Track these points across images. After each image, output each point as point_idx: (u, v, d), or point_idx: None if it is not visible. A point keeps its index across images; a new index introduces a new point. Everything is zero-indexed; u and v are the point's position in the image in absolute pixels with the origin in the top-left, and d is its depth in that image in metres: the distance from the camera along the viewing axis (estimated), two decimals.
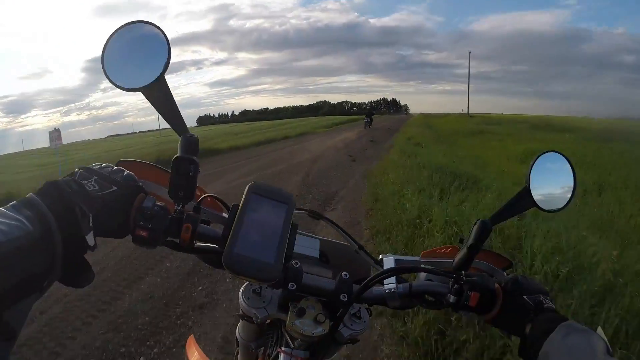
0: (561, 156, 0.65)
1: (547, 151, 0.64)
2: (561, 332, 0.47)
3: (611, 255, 2.53)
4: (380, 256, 0.72)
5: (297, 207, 0.61)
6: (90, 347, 2.19)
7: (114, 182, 0.50)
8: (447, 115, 48.42)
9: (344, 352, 1.96)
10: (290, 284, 0.57)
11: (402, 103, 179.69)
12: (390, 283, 0.63)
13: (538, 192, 0.62)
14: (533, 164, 0.63)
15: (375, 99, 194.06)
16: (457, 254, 0.63)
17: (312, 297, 0.59)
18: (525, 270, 2.50)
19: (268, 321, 0.71)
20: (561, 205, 0.64)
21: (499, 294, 0.57)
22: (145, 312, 2.56)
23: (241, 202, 0.54)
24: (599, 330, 0.47)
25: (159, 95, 0.51)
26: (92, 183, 0.48)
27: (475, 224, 0.60)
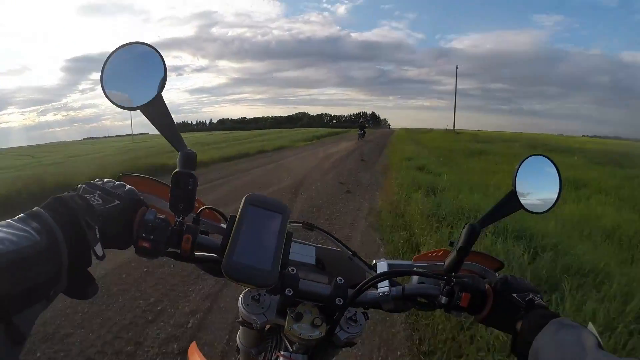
0: (547, 159, 0.66)
1: (533, 154, 0.66)
2: (552, 328, 0.48)
3: None
4: (374, 261, 0.75)
5: (292, 220, 0.63)
6: None
7: (116, 196, 0.52)
8: (431, 130, 47.39)
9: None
10: (287, 289, 0.58)
11: (382, 117, 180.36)
12: (383, 287, 0.65)
13: (524, 194, 0.63)
14: (519, 167, 0.64)
15: (355, 112, 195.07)
16: (448, 256, 0.64)
17: (308, 302, 0.61)
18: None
19: (267, 327, 0.73)
20: (547, 207, 0.66)
21: (490, 294, 0.59)
22: None
23: (238, 213, 0.56)
24: (590, 325, 0.48)
25: (157, 113, 0.54)
26: (96, 197, 0.50)
27: (464, 228, 0.62)
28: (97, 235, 0.46)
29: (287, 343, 0.63)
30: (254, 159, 12.44)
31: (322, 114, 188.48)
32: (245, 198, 0.57)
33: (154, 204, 0.61)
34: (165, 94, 0.54)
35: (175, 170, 0.54)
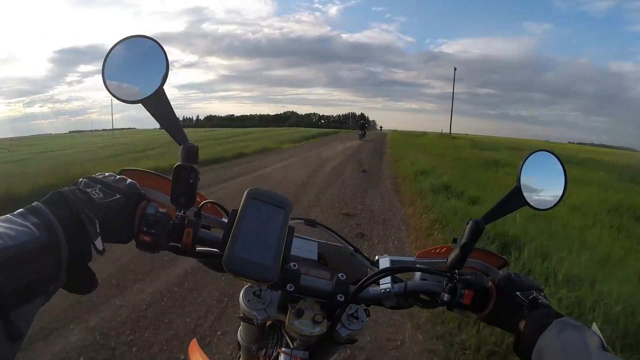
0: (552, 155, 0.65)
1: (538, 150, 0.64)
2: (556, 328, 0.47)
3: None
4: (377, 257, 0.74)
5: (293, 216, 0.63)
6: None
7: (117, 190, 0.51)
8: (425, 134, 45.36)
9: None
10: (289, 285, 0.58)
11: (371, 118, 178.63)
12: (385, 283, 0.65)
13: (529, 191, 0.62)
14: (524, 163, 0.63)
15: (344, 113, 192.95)
16: (451, 253, 0.64)
17: (310, 298, 0.60)
18: None
19: (268, 323, 0.75)
20: (552, 204, 0.65)
21: (493, 291, 0.59)
22: None
23: (240, 207, 0.55)
24: (594, 326, 0.47)
25: (159, 106, 0.54)
26: (97, 191, 0.49)
27: (467, 224, 0.61)
28: (98, 230, 0.46)
29: (288, 339, 0.62)
30: (229, 167, 9.86)
31: (310, 114, 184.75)
32: (247, 192, 0.56)
33: (155, 198, 0.62)
34: None
35: (177, 164, 0.54)
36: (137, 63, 0.56)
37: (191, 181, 0.54)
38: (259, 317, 0.61)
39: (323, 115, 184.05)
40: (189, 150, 0.55)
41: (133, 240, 0.53)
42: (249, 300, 0.62)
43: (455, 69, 36.39)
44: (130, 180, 0.55)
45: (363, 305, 0.65)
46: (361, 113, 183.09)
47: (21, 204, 0.43)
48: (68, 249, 0.42)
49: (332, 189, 6.97)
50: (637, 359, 1.04)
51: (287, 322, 0.58)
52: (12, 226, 0.38)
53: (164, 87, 0.53)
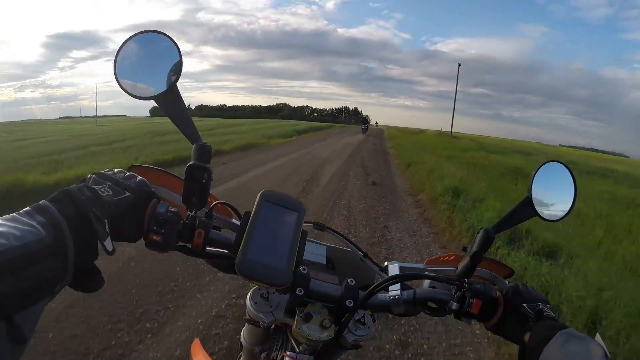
0: (562, 166, 0.66)
1: (549, 161, 0.65)
2: (560, 339, 0.47)
3: None
4: (386, 263, 0.74)
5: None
6: None
7: (127, 188, 0.50)
8: (423, 131, 43.31)
9: None
10: (299, 289, 0.58)
11: (364, 113, 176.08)
12: (394, 290, 0.64)
13: (539, 201, 0.63)
14: (535, 174, 0.63)
15: (337, 107, 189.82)
16: (460, 262, 0.63)
17: (318, 303, 0.60)
18: None
19: (273, 326, 0.72)
20: (562, 215, 0.65)
21: (500, 302, 0.59)
22: None
23: (253, 209, 0.54)
24: (597, 337, 0.47)
25: (171, 103, 0.54)
26: (106, 189, 0.48)
27: (478, 233, 0.61)
28: (107, 229, 0.45)
29: (294, 343, 0.62)
30: None
31: (303, 106, 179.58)
32: (261, 194, 0.56)
33: (165, 196, 0.60)
34: None
35: (190, 163, 0.53)
36: (150, 59, 0.55)
37: (204, 181, 0.53)
38: (265, 320, 0.60)
39: (316, 108, 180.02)
40: (202, 150, 0.54)
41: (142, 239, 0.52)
42: (256, 303, 0.61)
43: (459, 65, 33.90)
44: (140, 177, 0.54)
45: (369, 311, 0.64)
46: (355, 107, 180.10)
47: None
48: (74, 248, 0.40)
49: (337, 222, 4.68)
50: None
51: (294, 326, 0.58)
52: (17, 225, 0.37)
53: (177, 84, 0.53)
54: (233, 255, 0.52)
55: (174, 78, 0.53)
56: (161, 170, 0.63)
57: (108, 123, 42.95)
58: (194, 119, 0.57)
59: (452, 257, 0.71)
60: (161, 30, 0.54)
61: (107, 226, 0.45)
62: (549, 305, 0.57)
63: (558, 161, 0.66)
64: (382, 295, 0.65)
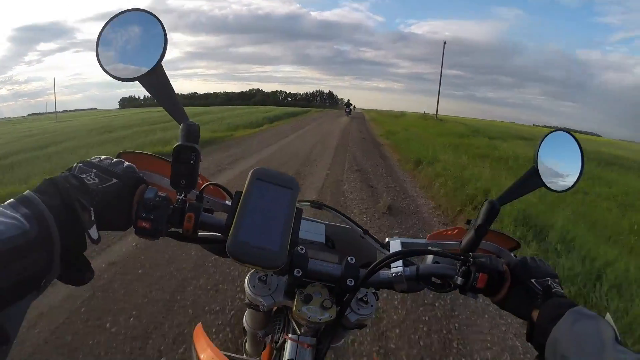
0: (569, 135, 0.64)
1: (554, 130, 0.63)
2: (570, 318, 0.46)
3: None
4: (387, 239, 0.72)
5: (299, 199, 0.60)
6: None
7: (114, 175, 0.49)
8: (403, 114, 40.74)
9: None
10: (296, 270, 0.56)
11: (339, 97, 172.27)
12: (397, 266, 0.62)
13: (546, 172, 0.61)
14: (541, 144, 0.62)
15: (311, 91, 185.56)
16: (465, 235, 0.62)
17: (318, 283, 0.59)
18: None
19: (275, 308, 0.73)
20: (569, 185, 0.63)
21: (507, 276, 0.57)
22: None
23: (244, 189, 0.53)
24: (608, 316, 0.47)
25: (157, 84, 0.51)
26: (92, 176, 0.48)
27: (483, 205, 0.60)
28: (92, 218, 0.44)
29: (295, 325, 0.61)
30: None
31: (276, 92, 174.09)
32: (252, 172, 0.54)
33: (155, 181, 0.60)
34: None
35: (177, 144, 0.51)
36: (132, 39, 0.52)
37: (192, 162, 0.51)
38: (265, 304, 0.59)
39: (290, 93, 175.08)
40: (189, 129, 0.52)
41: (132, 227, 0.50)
42: (254, 286, 0.60)
43: (445, 44, 31.18)
44: (127, 163, 0.53)
45: (372, 288, 0.64)
46: (329, 91, 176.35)
47: None
48: (61, 239, 0.39)
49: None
50: None
51: (294, 309, 0.56)
52: (1, 219, 0.35)
53: (162, 62, 0.50)
54: (226, 238, 0.49)
55: (158, 57, 0.50)
56: (151, 155, 0.62)
57: (71, 118, 39.34)
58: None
59: (455, 231, 0.70)
60: (142, 8, 0.52)
61: (92, 215, 0.44)
62: (557, 280, 0.55)
63: (564, 130, 0.64)
64: (384, 273, 0.63)
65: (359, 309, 0.60)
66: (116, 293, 2.32)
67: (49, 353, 1.80)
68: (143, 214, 0.48)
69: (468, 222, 0.63)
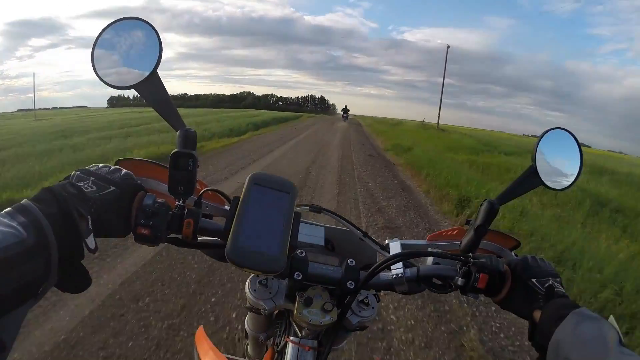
0: (567, 133, 0.63)
1: (553, 128, 0.62)
2: (573, 320, 0.46)
3: None
4: (387, 241, 0.71)
5: (297, 203, 0.59)
6: None
7: (111, 182, 0.49)
8: (401, 122, 38.46)
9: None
10: (296, 273, 0.56)
11: (330, 102, 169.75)
12: (397, 268, 0.62)
13: (544, 170, 0.60)
14: (539, 142, 0.61)
15: (303, 95, 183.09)
16: (465, 236, 0.62)
17: (318, 286, 0.59)
18: None
19: (276, 311, 0.71)
20: (568, 184, 0.63)
21: (508, 275, 0.57)
22: None
23: (242, 194, 0.53)
24: (611, 318, 0.46)
25: (153, 91, 0.52)
26: (90, 184, 0.48)
27: (482, 205, 0.59)
28: (90, 226, 0.44)
29: (296, 328, 0.61)
30: None
31: (267, 95, 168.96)
32: (250, 177, 0.54)
33: (153, 188, 0.60)
34: None
35: (174, 151, 0.51)
36: (128, 47, 0.53)
37: (189, 168, 0.51)
38: (266, 307, 0.60)
39: (281, 97, 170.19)
40: (186, 136, 0.52)
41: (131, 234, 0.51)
42: (255, 290, 0.61)
43: (448, 47, 29.03)
44: (125, 170, 0.53)
45: (373, 290, 0.64)
46: (321, 96, 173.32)
47: None
48: (58, 248, 0.39)
49: None
50: None
51: (295, 312, 0.56)
52: None
53: (158, 70, 0.51)
54: (225, 243, 0.49)
55: (154, 65, 0.50)
56: (149, 161, 0.62)
57: (51, 116, 35.91)
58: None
59: (455, 232, 0.70)
60: (138, 17, 0.53)
61: (90, 223, 0.44)
62: (559, 279, 0.55)
63: (562, 128, 0.63)
64: (384, 275, 0.63)
65: (360, 311, 0.60)
66: None
67: None
68: (142, 221, 0.49)
69: (467, 222, 0.62)
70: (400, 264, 0.62)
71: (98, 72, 0.51)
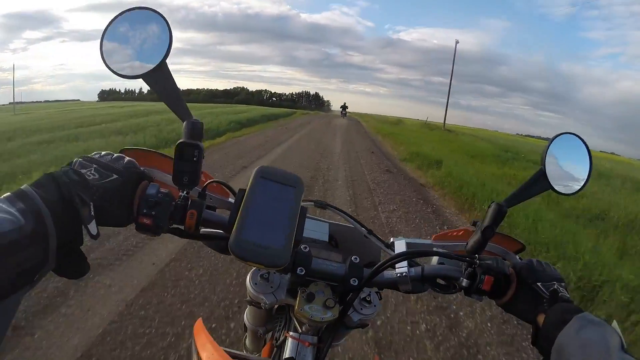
0: (577, 138, 0.62)
1: (563, 133, 0.62)
2: (576, 324, 0.46)
3: None
4: (392, 239, 0.70)
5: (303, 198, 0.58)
6: None
7: (114, 170, 0.49)
8: (401, 121, 35.76)
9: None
10: (299, 268, 0.56)
11: (325, 99, 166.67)
12: (401, 267, 0.61)
13: (553, 174, 0.59)
14: (549, 146, 0.60)
15: (297, 91, 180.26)
16: (471, 237, 0.61)
17: (321, 282, 0.58)
18: None
19: (276, 306, 0.71)
20: (577, 188, 0.62)
21: (513, 278, 0.57)
22: None
23: (248, 187, 0.52)
24: (614, 324, 0.46)
25: (161, 81, 0.51)
26: (92, 172, 0.47)
27: (490, 207, 0.58)
28: (92, 213, 0.43)
29: (297, 323, 0.60)
30: None
31: (261, 90, 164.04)
32: (256, 170, 0.54)
33: (157, 177, 0.59)
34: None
35: (180, 141, 0.51)
36: (137, 36, 0.52)
37: (195, 159, 0.51)
38: (267, 302, 0.59)
39: (275, 92, 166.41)
40: (193, 127, 0.51)
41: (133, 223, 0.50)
42: (256, 284, 0.60)
43: (457, 42, 26.70)
44: (128, 158, 0.52)
45: (375, 288, 0.63)
46: (315, 93, 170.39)
47: None
48: (57, 234, 0.39)
49: None
50: None
51: (296, 307, 0.55)
52: None
53: (167, 60, 0.50)
54: (228, 235, 0.48)
55: (163, 55, 0.49)
56: (153, 151, 0.62)
57: (30, 111, 34.53)
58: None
59: (461, 232, 0.69)
60: (147, 6, 0.52)
61: (92, 210, 0.43)
62: (563, 284, 0.55)
63: (572, 133, 0.62)
64: (388, 273, 0.62)
65: (361, 309, 0.59)
66: None
67: None
68: (144, 210, 0.48)
69: (474, 223, 0.61)
70: (404, 263, 0.61)
71: (106, 61, 0.49)
